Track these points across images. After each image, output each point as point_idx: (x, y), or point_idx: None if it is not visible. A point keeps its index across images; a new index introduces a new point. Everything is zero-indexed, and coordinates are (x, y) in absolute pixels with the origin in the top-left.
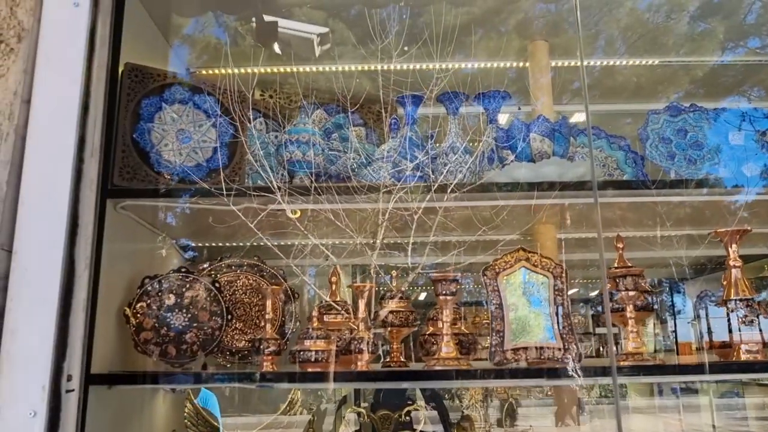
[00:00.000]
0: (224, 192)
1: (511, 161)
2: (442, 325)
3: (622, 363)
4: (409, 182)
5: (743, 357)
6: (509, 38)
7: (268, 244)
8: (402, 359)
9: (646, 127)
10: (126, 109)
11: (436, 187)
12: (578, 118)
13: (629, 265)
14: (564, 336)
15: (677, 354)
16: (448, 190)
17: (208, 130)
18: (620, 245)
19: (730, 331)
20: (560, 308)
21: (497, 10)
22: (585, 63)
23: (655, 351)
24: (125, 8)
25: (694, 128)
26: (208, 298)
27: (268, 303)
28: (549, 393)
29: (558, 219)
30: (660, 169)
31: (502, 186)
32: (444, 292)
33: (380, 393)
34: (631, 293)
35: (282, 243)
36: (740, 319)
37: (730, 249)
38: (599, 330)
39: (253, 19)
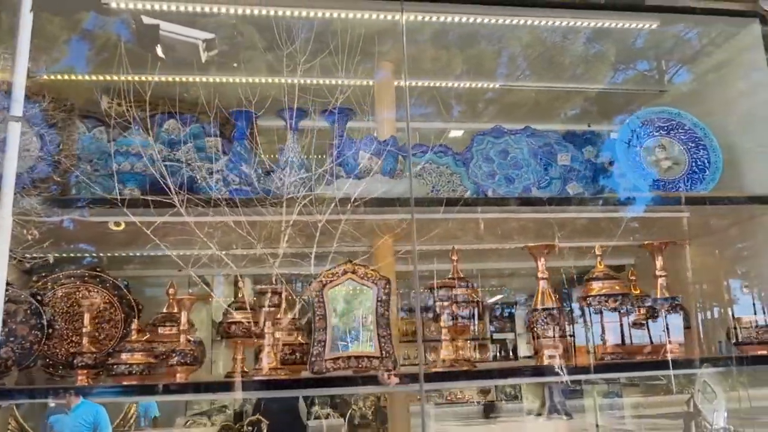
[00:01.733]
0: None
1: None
2: (265, 336)
3: (433, 370)
4: (236, 196)
5: (545, 362)
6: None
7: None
8: (245, 369)
9: (471, 147)
10: None
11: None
12: (454, 134)
13: (461, 276)
14: (383, 345)
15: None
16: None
17: (30, 140)
18: (455, 257)
19: (537, 338)
20: (382, 319)
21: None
22: (409, 83)
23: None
24: None
25: (515, 149)
26: (29, 311)
27: (86, 316)
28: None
29: (401, 232)
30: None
31: (330, 201)
32: (266, 303)
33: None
34: (445, 303)
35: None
36: (543, 328)
37: (539, 262)
38: (497, 336)
39: (133, 21)
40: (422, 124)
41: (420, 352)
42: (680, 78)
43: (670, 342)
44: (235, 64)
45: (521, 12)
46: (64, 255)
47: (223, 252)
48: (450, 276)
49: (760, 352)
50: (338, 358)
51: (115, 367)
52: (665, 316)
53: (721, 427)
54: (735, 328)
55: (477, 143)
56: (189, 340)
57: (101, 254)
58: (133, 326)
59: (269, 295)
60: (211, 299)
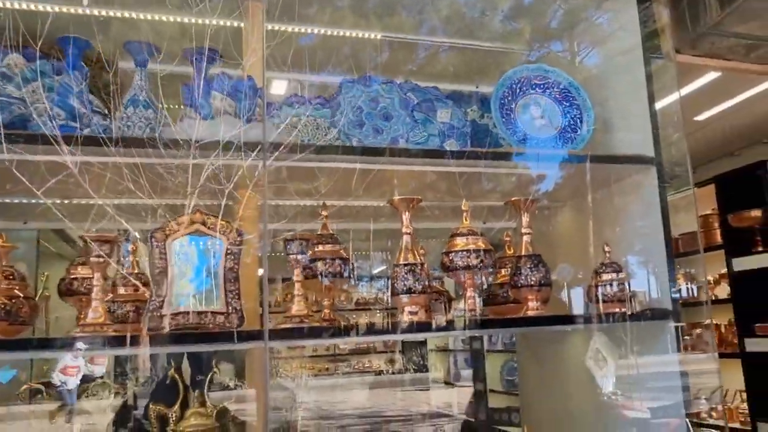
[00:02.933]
0: None
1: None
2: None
3: (280, 326)
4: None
5: (406, 319)
6: None
7: None
8: None
9: (338, 95)
10: None
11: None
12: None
13: (331, 233)
14: (230, 301)
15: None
16: None
17: None
18: (325, 213)
19: (397, 294)
20: (230, 273)
21: None
22: (268, 27)
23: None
24: None
25: (385, 99)
26: None
27: None
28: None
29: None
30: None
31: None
32: (95, 255)
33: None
34: (299, 257)
35: None
36: (403, 284)
37: (403, 217)
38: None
39: None
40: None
41: (264, 308)
42: (590, 60)
43: (531, 300)
44: None
45: None
46: None
47: (59, 201)
48: (320, 232)
49: (615, 310)
50: (178, 314)
51: None
52: (528, 274)
53: (610, 391)
54: (596, 286)
55: (345, 90)
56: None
57: None
58: None
59: (99, 244)
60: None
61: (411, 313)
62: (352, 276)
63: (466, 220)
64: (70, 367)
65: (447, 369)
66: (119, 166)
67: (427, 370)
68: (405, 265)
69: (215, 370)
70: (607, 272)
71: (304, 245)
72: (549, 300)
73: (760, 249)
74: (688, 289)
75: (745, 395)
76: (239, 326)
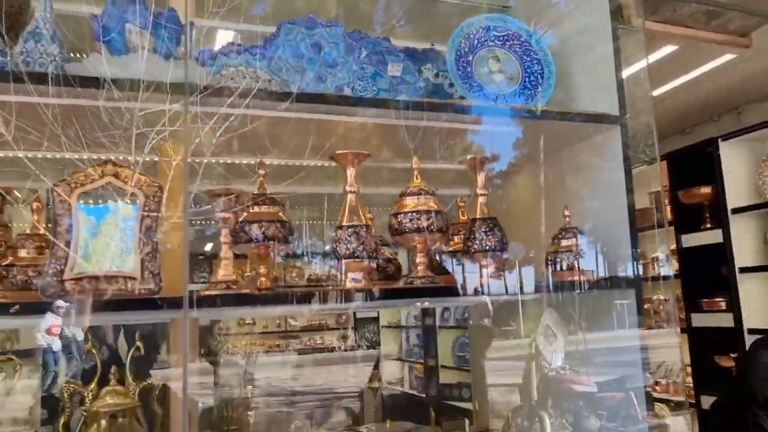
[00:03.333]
0: None
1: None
2: None
3: (206, 292)
4: None
5: (348, 285)
6: None
7: None
8: None
9: (277, 38)
10: None
11: None
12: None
13: (266, 193)
14: (146, 265)
15: None
16: None
17: None
18: (261, 171)
19: (339, 259)
20: (148, 233)
21: None
22: None
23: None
24: None
25: (329, 44)
26: None
27: None
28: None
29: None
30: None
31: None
32: None
33: None
34: (226, 215)
35: None
36: (346, 248)
37: (348, 173)
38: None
39: None
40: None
41: (185, 272)
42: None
43: (486, 266)
44: None
45: None
46: None
47: None
48: (256, 192)
49: (570, 279)
50: (82, 279)
51: None
52: (482, 239)
53: (559, 366)
54: (555, 252)
55: (285, 33)
56: None
57: None
58: None
59: None
60: None
61: (354, 280)
62: (290, 241)
63: (416, 178)
64: (54, 326)
65: (399, 345)
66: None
67: (379, 346)
68: (349, 227)
69: (137, 344)
70: (567, 238)
71: (234, 202)
72: (504, 267)
73: (709, 226)
74: (634, 266)
75: (690, 369)
76: (156, 293)
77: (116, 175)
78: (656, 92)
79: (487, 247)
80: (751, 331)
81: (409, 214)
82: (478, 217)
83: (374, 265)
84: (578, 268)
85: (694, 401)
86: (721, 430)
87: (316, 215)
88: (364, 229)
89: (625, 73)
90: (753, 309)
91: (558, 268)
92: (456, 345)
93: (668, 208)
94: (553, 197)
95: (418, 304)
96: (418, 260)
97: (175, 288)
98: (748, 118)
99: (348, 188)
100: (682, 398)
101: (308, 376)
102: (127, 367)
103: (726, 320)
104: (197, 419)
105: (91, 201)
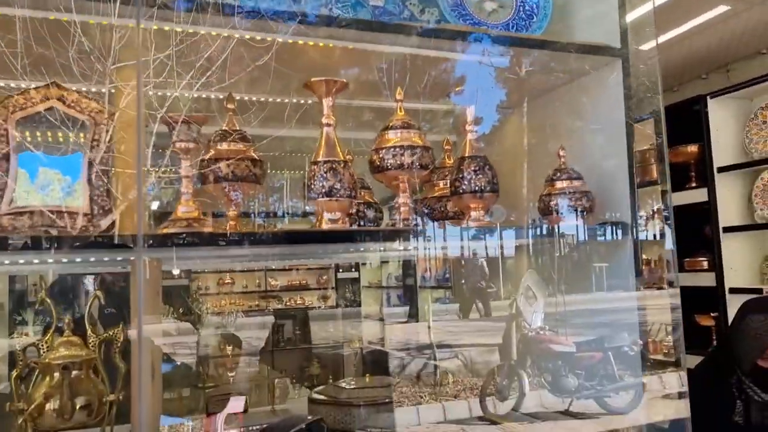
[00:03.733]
0: None
1: None
2: None
3: (164, 230)
4: None
5: (324, 226)
6: None
7: None
8: None
9: None
10: None
11: None
12: None
13: (237, 129)
14: (96, 198)
15: None
16: None
17: None
18: (230, 106)
19: (314, 197)
20: (100, 165)
21: None
22: None
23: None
24: None
25: None
26: None
27: None
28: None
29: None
30: None
31: None
32: None
33: None
34: (189, 145)
35: None
36: (321, 184)
37: (324, 103)
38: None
39: None
40: None
41: (139, 209)
42: None
43: (475, 208)
44: None
45: None
46: None
47: None
48: (224, 127)
49: (570, 223)
50: (23, 213)
51: None
52: (471, 178)
53: (538, 326)
54: (548, 195)
55: None
56: None
57: None
58: None
59: None
60: None
61: (331, 220)
62: (263, 182)
63: (400, 111)
64: None
65: (380, 305)
66: None
67: (359, 306)
68: (325, 162)
69: (96, 293)
70: (562, 180)
71: (197, 132)
72: (491, 207)
73: (694, 185)
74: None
75: (670, 329)
76: (108, 231)
77: (62, 100)
78: (644, 47)
79: (477, 188)
80: (733, 290)
81: (392, 149)
82: (467, 155)
83: (353, 205)
84: (578, 208)
85: (673, 360)
86: (702, 398)
87: (297, 177)
88: (342, 164)
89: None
90: (735, 269)
91: (550, 212)
92: (437, 305)
93: (653, 167)
94: (546, 140)
95: (402, 252)
96: (401, 200)
97: (130, 227)
98: (738, 77)
99: (324, 120)
100: (675, 358)
101: (289, 335)
102: (86, 317)
103: (708, 280)
104: (160, 372)
105: (33, 125)
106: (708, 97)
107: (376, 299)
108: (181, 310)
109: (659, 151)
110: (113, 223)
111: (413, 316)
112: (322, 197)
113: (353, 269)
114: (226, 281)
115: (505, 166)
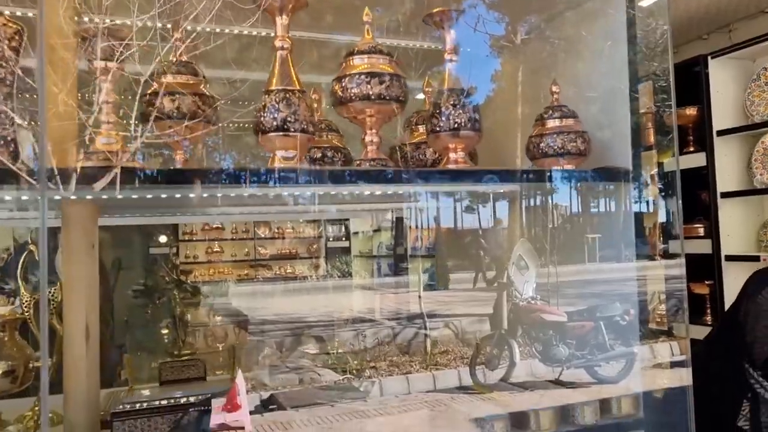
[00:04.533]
0: None
1: None
2: None
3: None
4: None
5: (277, 163)
6: None
7: None
8: None
9: None
10: None
11: None
12: None
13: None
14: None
15: None
16: None
17: None
18: (177, 35)
19: (264, 132)
20: (2, 86)
21: None
22: None
23: None
24: None
25: None
26: None
27: None
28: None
29: None
30: None
31: None
32: None
33: None
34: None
35: None
36: (272, 116)
37: (277, 22)
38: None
39: None
40: None
41: (41, 140)
42: None
43: (453, 149)
44: None
45: None
46: None
47: None
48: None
49: (555, 167)
50: None
51: None
52: (450, 113)
53: (530, 296)
54: (539, 136)
55: None
56: None
57: None
58: None
59: None
60: None
61: (285, 158)
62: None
63: (368, 33)
64: None
65: (371, 274)
66: None
67: (351, 276)
68: (279, 91)
69: (30, 248)
70: (554, 118)
71: (120, 50)
72: (475, 152)
73: (692, 149)
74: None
75: (663, 297)
76: (17, 163)
77: None
78: (644, 3)
79: (455, 125)
80: (729, 258)
81: (357, 76)
82: (446, 87)
83: (312, 142)
84: (572, 151)
85: (665, 329)
86: (700, 398)
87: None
88: (297, 94)
89: None
90: (732, 235)
91: (541, 153)
92: (427, 274)
93: (651, 131)
94: (538, 81)
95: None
96: (367, 139)
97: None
98: (740, 37)
99: (278, 43)
100: (652, 325)
101: (278, 305)
102: (18, 275)
103: (704, 247)
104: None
105: None
106: (709, 56)
107: (367, 269)
108: (167, 279)
109: (657, 114)
110: (18, 157)
111: (403, 285)
112: (274, 132)
113: (344, 238)
114: (215, 250)
115: (499, 114)
